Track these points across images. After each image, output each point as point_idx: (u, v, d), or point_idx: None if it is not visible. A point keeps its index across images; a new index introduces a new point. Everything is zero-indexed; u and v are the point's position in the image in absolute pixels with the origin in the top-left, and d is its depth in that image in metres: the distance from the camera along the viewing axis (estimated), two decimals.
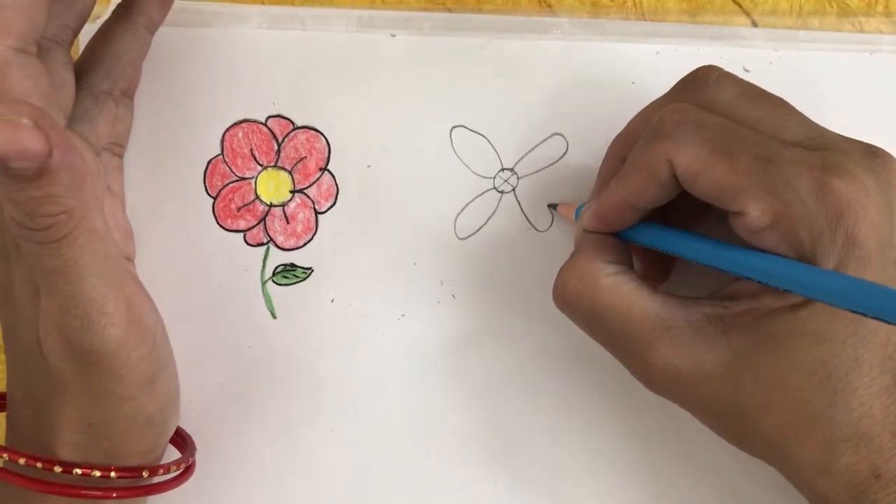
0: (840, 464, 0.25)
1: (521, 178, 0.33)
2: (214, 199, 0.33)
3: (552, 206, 0.33)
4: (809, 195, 0.23)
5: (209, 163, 0.33)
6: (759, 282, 0.24)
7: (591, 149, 0.30)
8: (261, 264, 0.33)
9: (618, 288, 0.26)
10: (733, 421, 0.26)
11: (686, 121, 0.25)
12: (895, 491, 0.25)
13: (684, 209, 0.28)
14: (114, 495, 0.27)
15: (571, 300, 0.27)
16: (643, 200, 0.26)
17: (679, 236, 0.26)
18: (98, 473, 0.27)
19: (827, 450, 0.25)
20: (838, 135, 0.26)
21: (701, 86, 0.27)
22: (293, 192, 0.33)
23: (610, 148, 0.30)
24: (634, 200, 0.26)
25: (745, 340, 0.25)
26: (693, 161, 0.24)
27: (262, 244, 0.33)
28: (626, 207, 0.27)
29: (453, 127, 0.33)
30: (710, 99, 0.26)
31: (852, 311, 0.21)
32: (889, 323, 0.21)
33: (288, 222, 0.33)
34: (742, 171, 0.23)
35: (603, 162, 0.30)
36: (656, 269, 0.31)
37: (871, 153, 0.25)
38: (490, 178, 0.33)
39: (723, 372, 0.25)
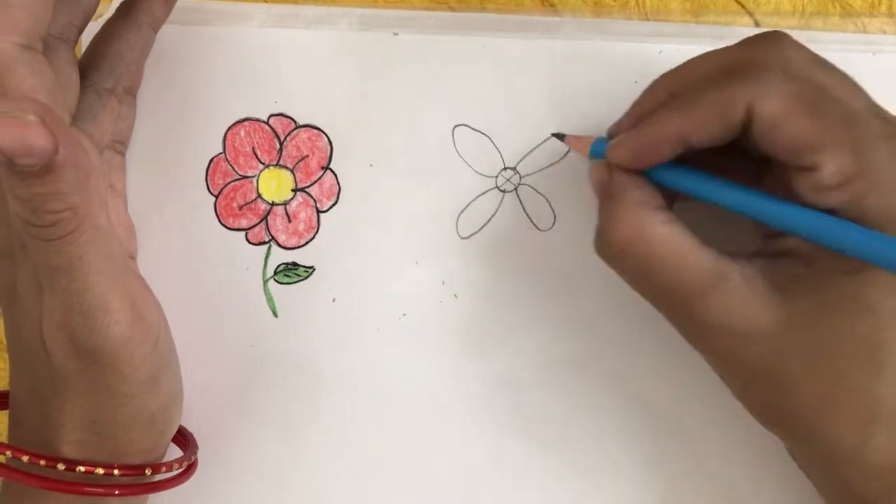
0: (871, 444, 0.24)
1: (524, 177, 0.33)
2: (216, 197, 0.33)
3: (559, 136, 0.31)
4: (886, 161, 0.23)
5: (211, 161, 0.33)
6: (813, 240, 0.24)
7: None
8: (262, 263, 0.33)
9: (672, 238, 0.25)
10: (772, 387, 0.26)
11: (776, 68, 0.24)
12: None
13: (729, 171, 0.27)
14: (116, 493, 0.27)
15: (624, 253, 0.26)
16: (699, 138, 0.25)
17: (724, 184, 0.25)
18: (101, 471, 0.27)
19: (861, 427, 0.24)
20: None
21: (775, 46, 0.26)
22: (295, 190, 0.33)
23: (658, 81, 0.28)
24: (690, 135, 0.25)
25: (800, 302, 0.24)
26: (778, 111, 0.24)
27: (263, 243, 0.33)
28: (678, 141, 0.25)
29: (455, 126, 0.33)
30: (784, 58, 0.25)
31: None
32: None
33: (290, 221, 0.33)
34: (825, 128, 0.23)
35: (644, 93, 0.28)
36: None
37: None
38: (492, 177, 0.33)
39: (773, 331, 0.25)
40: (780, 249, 0.26)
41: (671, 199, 0.28)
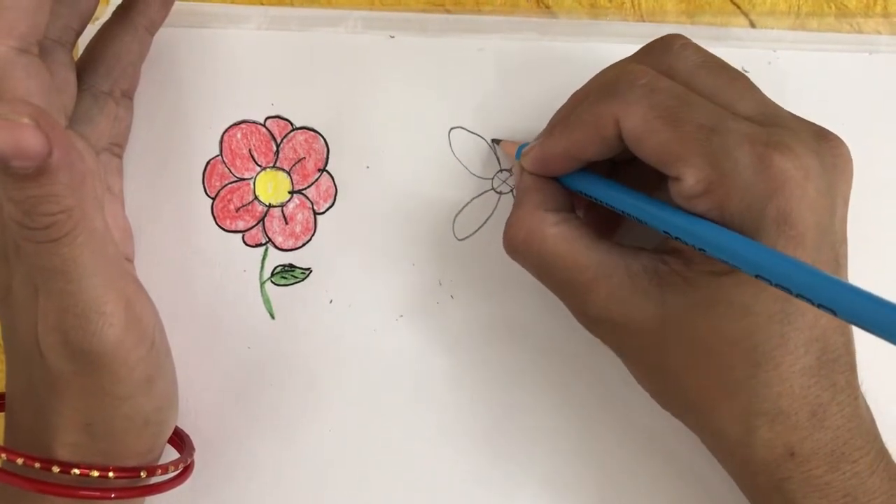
0: (755, 437, 0.25)
1: None
2: (213, 199, 0.33)
3: (496, 141, 0.33)
4: (747, 168, 0.23)
5: (208, 163, 0.33)
6: (680, 239, 0.24)
7: None
8: (259, 265, 0.33)
9: (562, 238, 0.27)
10: (659, 376, 0.27)
11: (639, 83, 0.25)
12: (809, 469, 0.25)
13: (638, 174, 0.28)
14: (112, 496, 0.27)
15: (521, 251, 0.28)
16: (585, 153, 0.27)
17: (613, 187, 0.27)
18: (96, 474, 0.27)
19: (744, 421, 0.25)
20: (792, 115, 0.26)
21: (664, 51, 0.27)
22: (292, 192, 0.33)
23: (570, 100, 0.29)
24: (576, 153, 0.27)
25: (677, 299, 0.25)
26: (639, 124, 0.24)
27: (260, 245, 0.33)
28: (567, 157, 0.27)
29: (452, 128, 0.33)
30: (670, 65, 0.26)
31: (756, 277, 0.22)
32: (787, 291, 0.21)
33: (286, 223, 0.33)
34: (684, 139, 0.24)
35: (559, 110, 0.29)
36: (603, 225, 0.32)
37: (821, 136, 0.25)
38: (488, 178, 0.33)
39: (653, 326, 0.26)
40: (670, 247, 0.27)
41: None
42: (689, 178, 0.24)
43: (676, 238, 0.24)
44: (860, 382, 0.26)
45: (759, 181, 0.23)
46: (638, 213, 0.26)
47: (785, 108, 0.26)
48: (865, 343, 0.26)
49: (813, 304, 0.21)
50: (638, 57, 0.28)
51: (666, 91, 0.25)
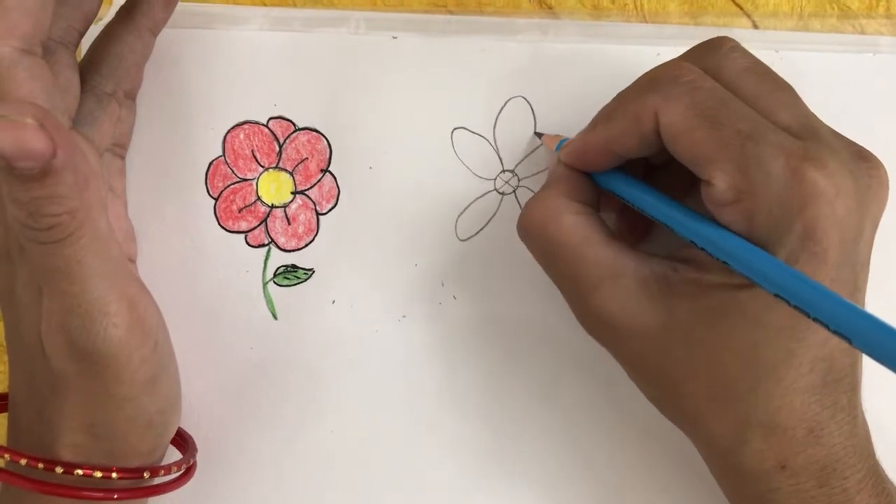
0: (747, 447, 0.25)
1: (522, 179, 0.33)
2: (216, 200, 0.33)
3: (538, 135, 0.33)
4: (779, 180, 0.23)
5: (210, 164, 0.33)
6: (701, 248, 0.24)
7: None
8: (262, 265, 0.33)
9: (578, 228, 0.27)
10: (658, 382, 0.27)
11: (683, 80, 0.25)
12: (798, 482, 0.25)
13: (671, 180, 0.28)
14: (115, 496, 0.27)
15: (533, 232, 0.28)
16: (622, 147, 0.26)
17: (643, 190, 0.27)
18: (99, 474, 0.27)
19: (738, 430, 0.25)
20: (833, 131, 0.26)
21: (713, 51, 0.27)
22: (294, 193, 0.33)
23: (615, 97, 0.28)
24: (614, 146, 0.27)
25: (685, 307, 0.25)
26: (677, 120, 0.24)
27: (263, 245, 0.33)
28: (605, 150, 0.27)
29: (454, 129, 0.33)
30: (717, 65, 0.26)
31: (776, 296, 0.22)
32: (805, 314, 0.21)
33: (289, 223, 0.33)
34: (720, 142, 0.23)
35: (604, 107, 0.29)
36: (634, 230, 0.31)
37: (860, 156, 0.25)
38: (491, 179, 0.33)
39: (657, 332, 0.26)
40: (682, 256, 0.26)
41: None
42: (721, 184, 0.23)
43: (702, 248, 0.24)
44: (862, 400, 0.26)
45: (789, 194, 0.23)
46: (665, 219, 0.26)
47: None
48: (872, 361, 0.26)
49: (829, 329, 0.20)
50: (687, 56, 0.27)
51: (708, 91, 0.24)
